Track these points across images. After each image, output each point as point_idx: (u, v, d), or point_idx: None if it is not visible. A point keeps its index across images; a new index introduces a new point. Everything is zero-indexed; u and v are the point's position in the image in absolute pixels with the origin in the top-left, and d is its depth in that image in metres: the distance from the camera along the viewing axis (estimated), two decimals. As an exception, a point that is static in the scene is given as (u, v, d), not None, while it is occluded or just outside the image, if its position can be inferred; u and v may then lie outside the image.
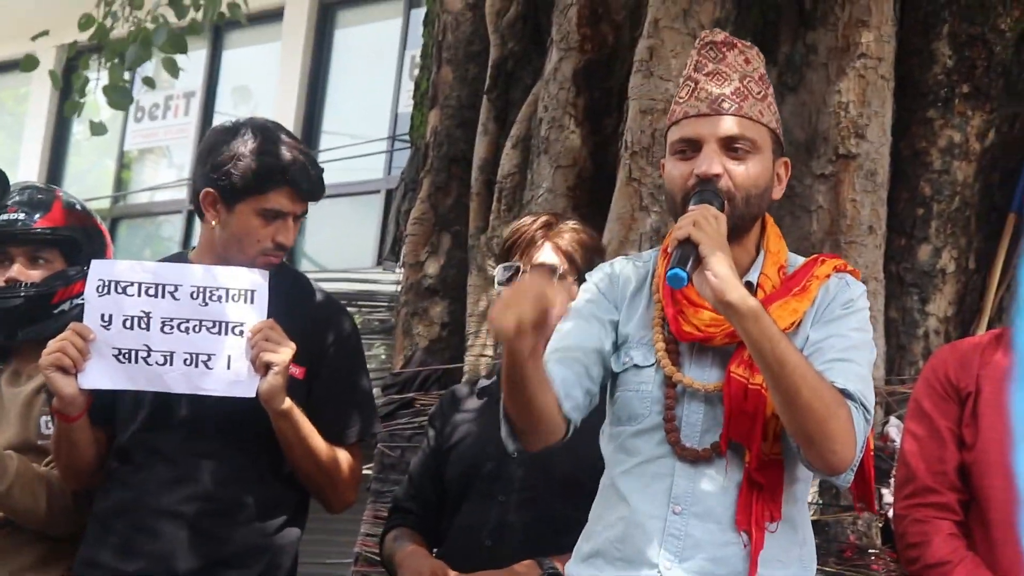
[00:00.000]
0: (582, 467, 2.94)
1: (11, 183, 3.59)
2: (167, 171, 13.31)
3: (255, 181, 3.02)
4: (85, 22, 6.32)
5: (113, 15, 6.42)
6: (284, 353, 2.90)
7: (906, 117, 4.63)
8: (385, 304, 7.24)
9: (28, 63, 6.44)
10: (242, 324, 2.95)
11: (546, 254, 3.20)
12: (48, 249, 3.50)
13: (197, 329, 2.94)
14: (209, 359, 2.93)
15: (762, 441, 2.46)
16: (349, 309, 8.02)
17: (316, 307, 3.18)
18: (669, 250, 2.43)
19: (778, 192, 2.63)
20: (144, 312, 2.94)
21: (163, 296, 2.95)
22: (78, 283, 3.49)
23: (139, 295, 2.95)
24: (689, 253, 2.35)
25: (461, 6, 5.32)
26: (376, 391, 5.03)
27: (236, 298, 2.96)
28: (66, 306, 3.48)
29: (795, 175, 4.54)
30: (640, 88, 4.48)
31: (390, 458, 4.56)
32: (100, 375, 2.91)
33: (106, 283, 2.95)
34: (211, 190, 3.04)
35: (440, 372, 4.90)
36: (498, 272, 3.29)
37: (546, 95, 4.76)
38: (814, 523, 4.16)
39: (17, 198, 3.52)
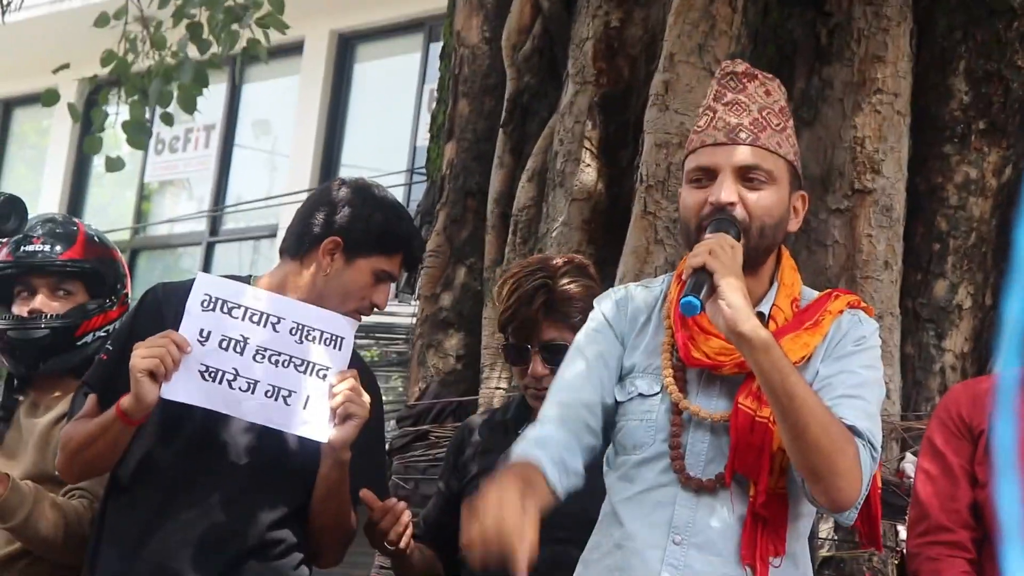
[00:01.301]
0: (597, 505, 2.94)
1: (32, 215, 3.61)
2: (187, 203, 13.37)
3: (385, 243, 3.11)
4: (107, 57, 6.35)
5: (134, 50, 6.46)
6: (366, 407, 2.94)
7: (922, 152, 4.63)
8: (403, 336, 7.26)
9: (49, 97, 6.47)
10: (327, 368, 2.96)
11: (552, 333, 3.21)
12: (71, 281, 3.51)
13: (286, 364, 2.94)
14: (290, 395, 2.93)
15: (769, 475, 2.45)
16: (367, 341, 8.04)
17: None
18: (684, 277, 2.42)
19: (794, 225, 2.61)
20: (243, 336, 2.92)
21: (265, 325, 2.95)
22: (99, 316, 3.51)
23: (243, 319, 2.94)
24: (703, 281, 2.34)
25: (478, 40, 5.36)
26: (391, 423, 5.05)
27: (327, 342, 2.98)
28: (89, 338, 3.50)
29: (811, 209, 4.53)
30: (655, 122, 4.50)
31: (404, 490, 4.56)
32: (183, 388, 2.87)
33: (213, 299, 2.93)
34: (338, 238, 3.09)
35: (455, 404, 4.90)
36: (507, 352, 3.32)
37: (562, 128, 4.78)
38: (830, 559, 4.16)
39: (40, 230, 3.53)
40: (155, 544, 2.98)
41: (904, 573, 4.07)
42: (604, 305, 2.69)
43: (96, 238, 3.61)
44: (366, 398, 2.95)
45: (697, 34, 4.50)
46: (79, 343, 3.48)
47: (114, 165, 6.44)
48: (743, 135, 2.52)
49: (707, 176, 2.52)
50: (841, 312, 2.57)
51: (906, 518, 4.07)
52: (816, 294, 2.64)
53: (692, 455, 2.50)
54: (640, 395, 2.57)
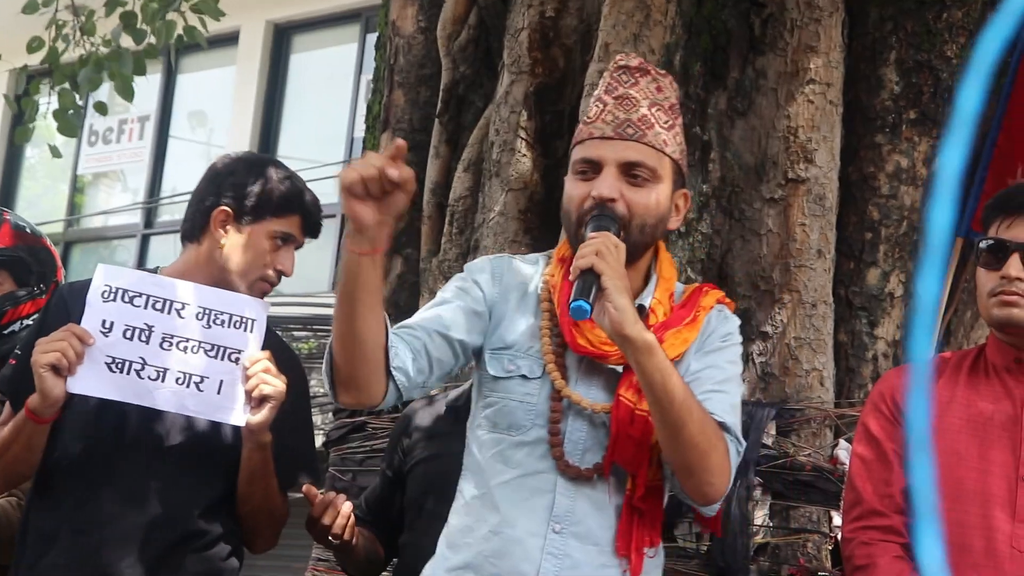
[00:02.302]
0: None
1: (-40, 207, 3.57)
2: (121, 195, 13.26)
3: (274, 203, 3.08)
4: (36, 46, 6.28)
5: (64, 39, 6.39)
6: (281, 388, 2.90)
7: (854, 142, 4.67)
8: (339, 328, 7.21)
9: (-21, 88, 6.39)
10: (239, 352, 2.92)
11: None
12: (-4, 270, 3.48)
13: (195, 350, 2.91)
14: (202, 381, 2.89)
15: (648, 467, 2.49)
16: (304, 333, 8.01)
17: (271, 351, 3.18)
18: (571, 279, 2.44)
19: (675, 223, 2.66)
20: (147, 325, 2.88)
21: (169, 312, 2.91)
22: (27, 304, 3.48)
23: (145, 307, 2.89)
24: (591, 283, 2.36)
25: (413, 29, 5.34)
26: (328, 415, 5.03)
27: (237, 325, 2.94)
28: (16, 327, 3.46)
29: (744, 199, 4.58)
30: (591, 112, 4.50)
31: (341, 482, 4.54)
32: (89, 381, 2.83)
33: (113, 289, 2.88)
34: (226, 208, 3.06)
35: (392, 395, 4.88)
36: None
37: (497, 118, 4.78)
38: (764, 546, 4.20)
39: (-36, 221, 3.50)
40: (82, 540, 2.95)
41: (838, 559, 4.11)
42: (478, 269, 2.69)
43: (23, 227, 3.57)
44: (281, 379, 2.91)
45: (632, 24, 4.51)
46: (6, 331, 3.44)
47: (55, 152, 6.39)
48: (630, 131, 2.54)
49: (592, 169, 2.55)
50: (711, 308, 2.64)
51: (840, 504, 4.11)
52: (683, 287, 2.70)
53: (570, 443, 2.53)
54: (522, 376, 2.57)
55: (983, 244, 2.89)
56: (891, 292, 4.58)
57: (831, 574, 4.17)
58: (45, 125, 6.73)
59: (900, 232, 4.60)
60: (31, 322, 3.48)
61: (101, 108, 6.56)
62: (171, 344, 2.91)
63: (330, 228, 10.67)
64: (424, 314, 2.61)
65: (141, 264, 11.97)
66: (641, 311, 2.53)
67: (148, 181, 12.51)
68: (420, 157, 5.19)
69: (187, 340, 2.91)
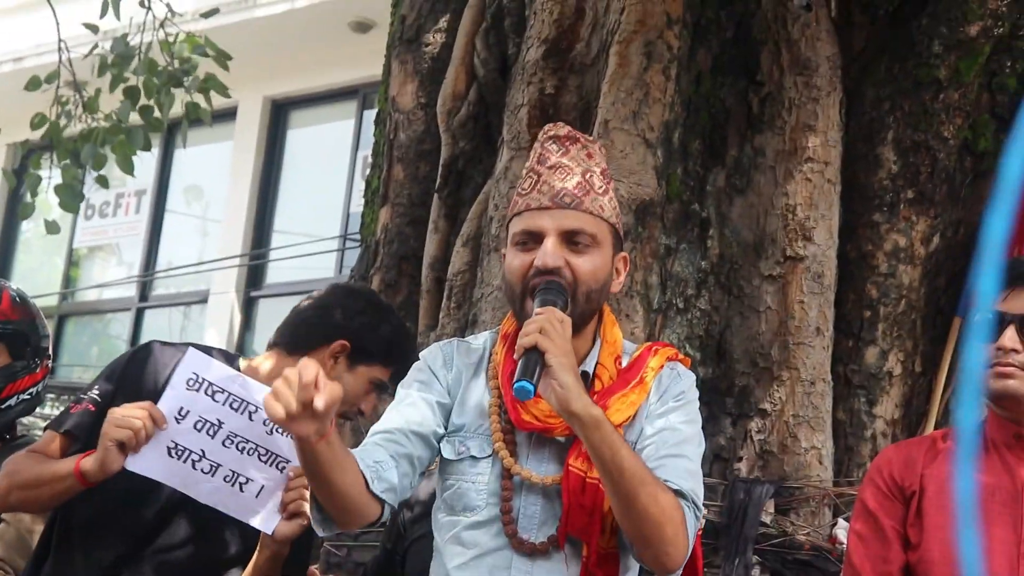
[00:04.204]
0: None
1: (-43, 278, 3.55)
2: (116, 269, 13.25)
3: (388, 354, 3.15)
4: (38, 121, 6.31)
5: (67, 114, 6.42)
6: None
7: (852, 220, 4.69)
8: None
9: (-18, 164, 6.39)
10: (287, 461, 2.95)
11: None
12: (-6, 343, 3.46)
13: (251, 452, 2.93)
14: (247, 483, 2.92)
15: (600, 535, 2.48)
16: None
17: None
18: (515, 357, 2.43)
19: (616, 286, 2.67)
20: (219, 421, 2.91)
21: (243, 412, 2.93)
22: (25, 378, 3.45)
23: (223, 404, 2.92)
24: (536, 362, 2.36)
25: (412, 105, 5.37)
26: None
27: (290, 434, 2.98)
28: (13, 401, 3.43)
29: (743, 276, 4.59)
30: (590, 189, 4.52)
31: (336, 557, 4.51)
32: (148, 462, 2.85)
33: (199, 380, 2.91)
34: (347, 343, 3.11)
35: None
36: None
37: (497, 194, 4.79)
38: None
39: (-37, 292, 3.48)
40: None
41: (837, 639, 4.07)
42: (430, 357, 2.71)
43: (19, 299, 3.55)
44: None
45: (631, 101, 4.54)
46: (3, 406, 3.42)
47: (52, 228, 6.38)
48: (567, 199, 2.56)
49: (532, 239, 2.56)
50: (661, 367, 2.63)
51: (839, 584, 4.08)
52: (634, 347, 2.69)
53: (525, 518, 2.53)
54: (472, 457, 2.58)
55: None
56: (889, 371, 4.58)
57: (831, 655, 4.13)
58: (43, 199, 6.73)
59: (898, 311, 4.61)
60: (27, 396, 3.46)
61: (103, 181, 6.57)
62: (232, 443, 2.93)
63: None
64: (396, 414, 2.62)
65: (135, 337, 11.94)
66: (585, 378, 2.54)
67: (144, 255, 12.52)
68: (419, 232, 5.21)
69: (247, 442, 2.93)
